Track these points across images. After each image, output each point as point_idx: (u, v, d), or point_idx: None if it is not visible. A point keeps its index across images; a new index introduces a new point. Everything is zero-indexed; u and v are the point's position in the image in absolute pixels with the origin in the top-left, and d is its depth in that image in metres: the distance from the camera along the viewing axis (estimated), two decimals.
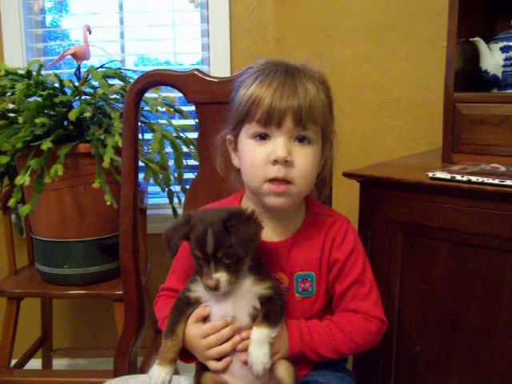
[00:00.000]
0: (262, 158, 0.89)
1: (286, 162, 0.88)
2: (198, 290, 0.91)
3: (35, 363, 1.94)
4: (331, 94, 0.96)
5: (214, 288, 0.85)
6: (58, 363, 2.09)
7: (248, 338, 0.88)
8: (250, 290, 0.89)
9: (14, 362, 1.73)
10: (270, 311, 0.88)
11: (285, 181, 0.89)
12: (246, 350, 0.88)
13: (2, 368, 1.64)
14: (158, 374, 0.89)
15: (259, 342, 0.87)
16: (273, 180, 0.89)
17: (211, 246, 0.84)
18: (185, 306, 0.92)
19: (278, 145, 0.88)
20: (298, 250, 0.97)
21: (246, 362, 0.88)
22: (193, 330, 0.91)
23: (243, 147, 0.94)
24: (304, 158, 0.90)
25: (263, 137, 0.90)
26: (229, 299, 0.89)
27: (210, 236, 0.84)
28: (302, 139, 0.90)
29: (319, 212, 1.01)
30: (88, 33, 1.77)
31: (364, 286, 0.97)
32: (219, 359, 0.90)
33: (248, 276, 0.89)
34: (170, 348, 0.90)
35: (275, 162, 0.88)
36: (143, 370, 1.70)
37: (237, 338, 0.89)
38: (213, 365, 0.90)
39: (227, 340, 0.89)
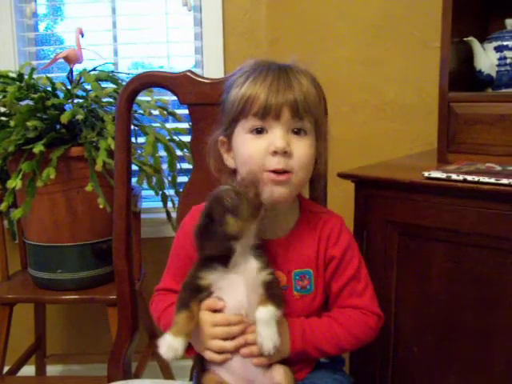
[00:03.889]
0: (260, 149, 0.89)
1: (285, 153, 0.88)
2: (208, 278, 0.88)
3: (28, 370, 1.92)
4: (320, 88, 0.98)
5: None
6: (52, 369, 2.06)
7: (254, 343, 0.86)
8: (256, 278, 0.88)
9: (6, 368, 1.71)
10: (274, 293, 0.87)
11: (285, 171, 0.89)
12: (248, 355, 0.87)
13: None
14: (170, 342, 0.82)
15: (266, 320, 0.85)
16: (273, 171, 0.89)
17: None
18: (195, 290, 0.88)
19: (277, 136, 0.89)
20: (294, 247, 0.96)
21: (246, 356, 0.87)
22: (204, 315, 0.89)
23: (239, 142, 0.93)
24: (302, 148, 0.91)
25: (260, 131, 0.90)
26: (241, 289, 0.87)
27: None
28: (297, 131, 0.91)
29: (313, 210, 1.01)
30: (80, 36, 1.75)
31: (360, 282, 0.97)
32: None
33: (255, 264, 0.88)
34: (185, 320, 0.85)
35: (274, 153, 0.88)
36: (138, 375, 1.68)
37: (240, 340, 0.87)
38: (210, 355, 0.88)
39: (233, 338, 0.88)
